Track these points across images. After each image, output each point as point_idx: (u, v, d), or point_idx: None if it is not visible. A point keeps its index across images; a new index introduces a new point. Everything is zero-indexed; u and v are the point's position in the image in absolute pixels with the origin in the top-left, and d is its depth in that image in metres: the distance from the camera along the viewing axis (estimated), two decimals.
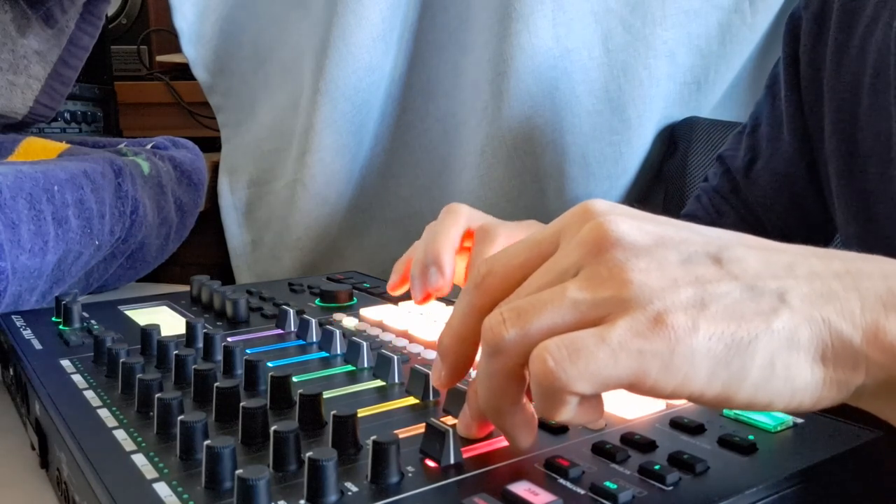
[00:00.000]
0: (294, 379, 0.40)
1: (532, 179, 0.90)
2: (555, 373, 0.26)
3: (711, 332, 0.26)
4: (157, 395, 0.34)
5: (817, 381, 0.26)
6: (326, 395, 0.37)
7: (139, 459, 0.31)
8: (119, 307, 0.57)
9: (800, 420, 0.35)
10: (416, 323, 0.50)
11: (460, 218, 0.52)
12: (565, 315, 0.27)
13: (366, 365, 0.43)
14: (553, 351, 0.26)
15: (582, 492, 0.28)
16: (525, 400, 0.30)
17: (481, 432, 0.33)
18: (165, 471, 0.30)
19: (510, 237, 0.54)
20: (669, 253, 0.28)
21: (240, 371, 0.41)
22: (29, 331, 0.50)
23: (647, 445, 0.32)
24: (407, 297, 0.59)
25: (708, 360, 0.26)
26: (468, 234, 0.53)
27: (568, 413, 0.27)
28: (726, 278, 0.27)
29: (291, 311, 0.51)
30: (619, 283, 0.27)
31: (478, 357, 0.31)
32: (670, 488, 0.29)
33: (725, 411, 0.36)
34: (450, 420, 0.35)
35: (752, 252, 0.28)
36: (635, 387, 0.26)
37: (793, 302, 0.26)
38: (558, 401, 0.27)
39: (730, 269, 0.27)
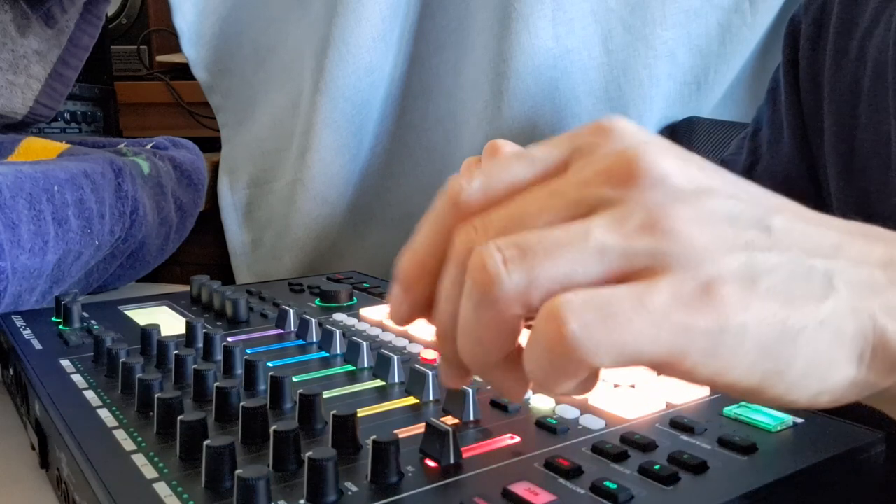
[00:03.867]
0: (294, 379, 0.40)
1: None
2: (578, 339, 0.21)
3: (764, 313, 0.22)
4: (157, 395, 0.34)
5: (848, 380, 0.23)
6: (326, 395, 0.37)
7: (139, 459, 0.31)
8: (119, 307, 0.57)
9: (800, 420, 0.35)
10: (415, 323, 0.50)
11: None
12: (587, 264, 0.22)
13: (366, 365, 0.43)
14: (579, 310, 0.21)
15: (582, 492, 0.28)
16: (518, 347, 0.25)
17: (469, 380, 0.28)
18: (165, 471, 0.30)
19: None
20: (718, 205, 0.23)
21: (239, 371, 0.41)
22: (29, 331, 0.50)
23: (647, 445, 0.32)
24: None
25: (756, 347, 0.22)
26: None
27: (569, 388, 0.23)
28: (777, 248, 0.23)
29: (291, 311, 0.51)
30: (660, 231, 0.22)
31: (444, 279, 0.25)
32: (670, 488, 0.29)
33: (725, 410, 0.35)
34: (450, 420, 0.35)
35: (800, 222, 0.24)
36: (667, 367, 0.22)
37: (840, 288, 0.23)
38: (568, 372, 0.22)
39: (780, 238, 0.23)
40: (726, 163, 0.74)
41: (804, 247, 0.24)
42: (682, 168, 0.23)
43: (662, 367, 0.22)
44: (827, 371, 0.23)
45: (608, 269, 0.22)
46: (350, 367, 0.43)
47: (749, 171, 0.71)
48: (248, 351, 0.44)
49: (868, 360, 0.23)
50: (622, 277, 0.22)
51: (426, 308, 0.27)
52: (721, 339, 0.22)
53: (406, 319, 0.28)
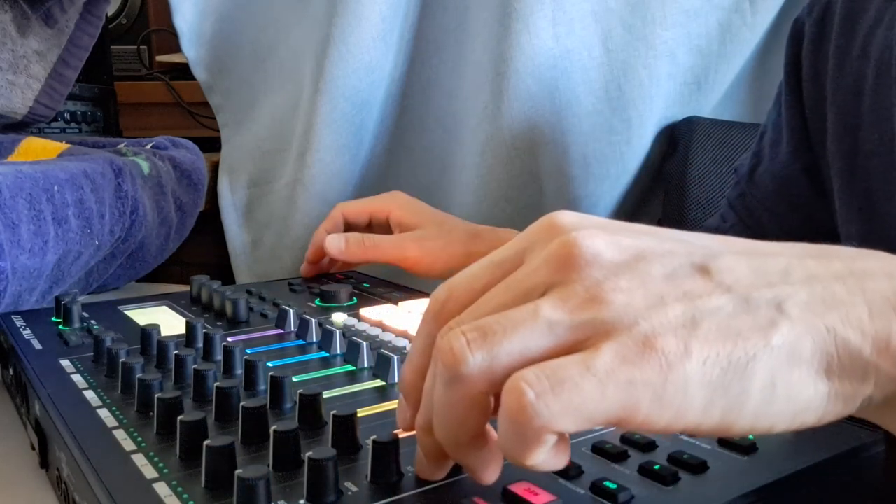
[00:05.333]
0: (294, 379, 0.40)
1: (532, 179, 0.90)
2: (535, 407, 0.23)
3: (706, 355, 0.23)
4: (157, 395, 0.34)
5: (822, 396, 0.24)
6: (326, 395, 0.37)
7: (139, 459, 0.31)
8: (119, 307, 0.57)
9: None
10: (416, 323, 0.50)
11: (330, 218, 0.73)
12: (539, 338, 0.24)
13: (366, 365, 0.43)
14: (533, 382, 0.23)
15: (582, 491, 0.28)
16: (488, 429, 0.27)
17: (444, 471, 0.30)
18: (165, 471, 0.30)
19: (347, 208, 0.74)
20: (652, 267, 0.25)
21: (239, 371, 0.41)
22: (29, 331, 0.50)
23: (647, 445, 0.32)
24: (407, 297, 0.59)
25: (704, 388, 0.23)
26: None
27: (541, 455, 0.24)
28: (717, 291, 0.24)
29: (291, 311, 0.51)
30: (598, 303, 0.24)
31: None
32: (670, 488, 0.29)
33: None
34: None
35: (741, 259, 0.26)
36: (624, 422, 0.23)
37: (791, 312, 0.24)
38: (534, 440, 0.24)
39: (720, 280, 0.25)
40: (735, 169, 0.75)
41: (748, 282, 0.25)
42: (614, 242, 0.26)
43: (619, 423, 0.23)
44: (791, 392, 0.24)
45: (558, 342, 0.24)
46: (350, 367, 0.43)
47: (752, 174, 0.71)
48: (248, 351, 0.44)
49: (837, 371, 0.24)
50: (572, 348, 0.24)
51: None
52: (666, 388, 0.23)
53: (411, 425, 0.30)
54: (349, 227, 0.74)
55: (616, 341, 0.23)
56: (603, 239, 0.26)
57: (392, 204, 0.73)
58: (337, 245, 0.68)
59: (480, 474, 0.28)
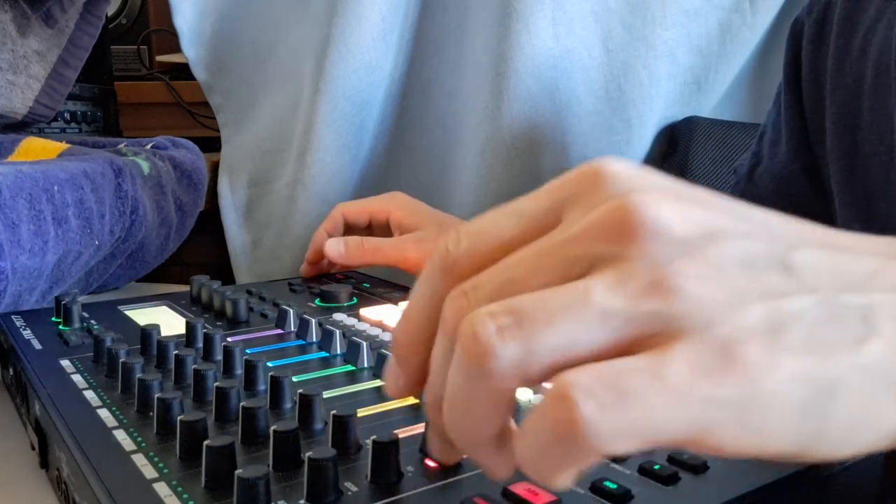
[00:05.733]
0: (294, 379, 0.40)
1: (532, 179, 0.89)
2: (591, 424, 0.18)
3: (793, 370, 0.19)
4: (156, 395, 0.34)
5: None
6: (326, 395, 0.37)
7: (139, 459, 0.31)
8: (119, 307, 0.57)
9: None
10: None
11: (330, 218, 0.72)
12: (589, 331, 0.20)
13: (366, 365, 0.43)
14: (591, 391, 0.19)
15: (582, 491, 0.28)
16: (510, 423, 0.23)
17: (458, 455, 0.27)
18: (165, 471, 0.30)
19: (347, 209, 0.73)
20: (727, 251, 0.21)
21: (239, 371, 0.41)
22: (29, 331, 0.50)
23: None
24: (407, 297, 0.59)
25: (790, 410, 0.19)
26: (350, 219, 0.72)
27: (568, 479, 0.20)
28: (800, 291, 0.20)
29: (291, 311, 0.51)
30: (666, 292, 0.20)
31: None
32: (670, 488, 0.29)
33: None
34: None
35: (824, 253, 0.22)
36: (692, 445, 0.20)
37: (882, 326, 0.20)
38: (577, 460, 0.19)
39: (803, 277, 0.21)
40: (735, 170, 0.75)
41: (834, 283, 0.21)
42: (684, 214, 0.21)
43: (685, 445, 0.20)
44: (878, 418, 0.21)
45: (613, 336, 0.20)
46: (350, 367, 0.43)
47: (751, 174, 0.71)
48: (248, 351, 0.44)
49: None
50: (629, 347, 0.20)
51: (423, 381, 0.25)
52: (750, 409, 0.19)
53: (402, 393, 0.26)
54: (349, 227, 0.73)
55: (690, 345, 0.19)
56: (672, 207, 0.21)
57: (392, 204, 0.73)
58: (336, 249, 0.68)
59: (495, 472, 0.24)
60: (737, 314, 0.20)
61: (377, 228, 0.74)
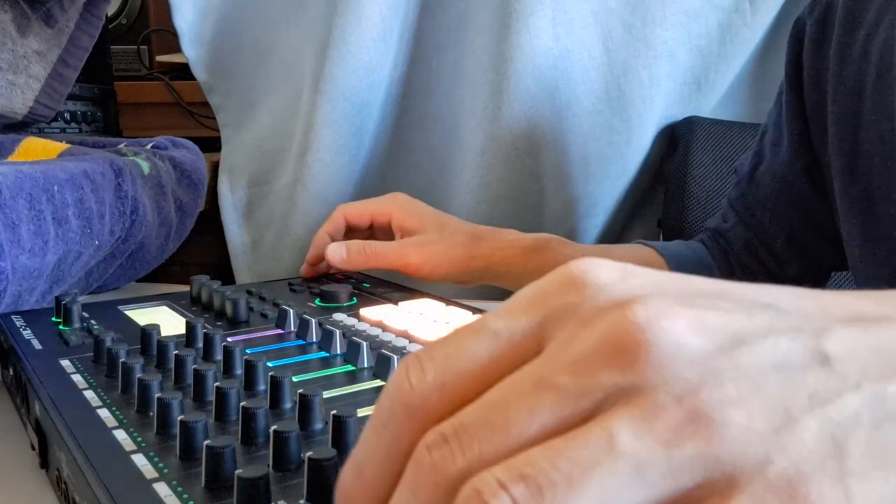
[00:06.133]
0: (294, 379, 0.40)
1: (532, 179, 0.90)
2: None
3: (871, 499, 0.16)
4: (156, 395, 0.34)
5: None
6: (326, 395, 0.37)
7: (139, 459, 0.31)
8: (119, 307, 0.57)
9: None
10: (416, 323, 0.50)
11: (331, 220, 0.71)
12: (624, 492, 0.16)
13: (366, 365, 0.43)
14: None
15: None
16: None
17: None
18: (165, 471, 0.30)
19: (349, 210, 0.72)
20: (756, 356, 0.17)
21: (239, 371, 0.41)
22: (29, 331, 0.50)
23: None
24: (407, 297, 0.59)
25: None
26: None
27: None
28: (848, 389, 0.17)
29: (291, 311, 0.51)
30: (704, 426, 0.16)
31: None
32: None
33: None
34: None
35: (857, 333, 0.18)
36: None
37: None
38: None
39: (843, 369, 0.17)
40: (735, 169, 0.75)
41: (875, 370, 0.18)
42: (698, 321, 0.18)
43: None
44: None
45: (652, 493, 0.16)
46: (350, 367, 0.43)
47: (752, 173, 0.71)
48: (248, 351, 0.44)
49: None
50: (676, 500, 0.16)
51: None
52: None
53: None
54: (350, 228, 0.73)
55: (749, 496, 0.16)
56: (683, 317, 0.17)
57: (393, 206, 0.73)
58: (339, 254, 0.67)
59: None
60: (792, 438, 0.16)
61: (378, 230, 0.73)
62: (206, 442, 0.29)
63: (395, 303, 0.56)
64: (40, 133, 0.91)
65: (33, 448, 0.41)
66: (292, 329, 0.50)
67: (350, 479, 0.20)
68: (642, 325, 0.17)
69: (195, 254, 0.95)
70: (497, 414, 0.18)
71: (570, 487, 0.16)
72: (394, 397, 0.19)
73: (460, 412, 0.18)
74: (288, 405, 0.37)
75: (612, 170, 0.92)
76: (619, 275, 0.19)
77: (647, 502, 0.16)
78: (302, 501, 0.28)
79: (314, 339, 0.48)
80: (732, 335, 0.18)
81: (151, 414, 0.35)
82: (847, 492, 0.16)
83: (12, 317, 0.53)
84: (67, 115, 0.97)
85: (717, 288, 0.19)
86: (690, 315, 0.18)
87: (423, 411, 0.19)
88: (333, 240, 0.71)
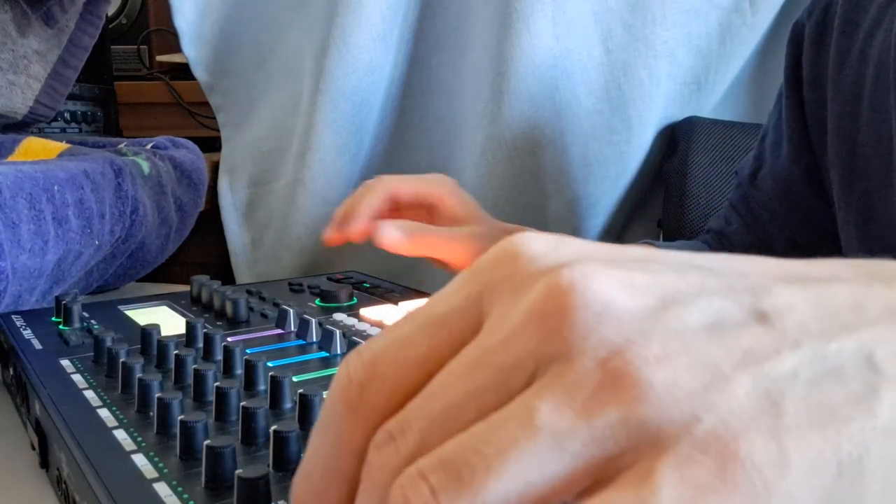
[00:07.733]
0: (294, 379, 0.40)
1: (532, 179, 0.90)
2: None
3: (809, 457, 0.15)
4: (157, 395, 0.34)
5: None
6: (326, 395, 0.37)
7: (139, 459, 0.31)
8: (119, 307, 0.57)
9: None
10: None
11: (374, 190, 0.63)
12: (546, 464, 0.15)
13: None
14: None
15: None
16: None
17: None
18: (165, 471, 0.30)
19: (398, 186, 0.64)
20: (687, 315, 0.17)
21: (239, 371, 0.41)
22: (29, 331, 0.50)
23: None
24: (407, 297, 0.59)
25: None
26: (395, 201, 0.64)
27: None
28: (785, 346, 0.16)
29: (291, 311, 0.51)
30: (624, 388, 0.15)
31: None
32: None
33: None
34: None
35: (795, 290, 0.18)
36: None
37: (885, 368, 0.16)
38: None
39: (783, 326, 0.17)
40: (736, 172, 0.75)
41: (817, 326, 0.17)
42: (625, 281, 0.17)
43: None
44: None
45: (576, 463, 0.15)
46: None
47: (753, 176, 0.71)
48: (248, 351, 0.44)
49: None
50: (602, 473, 0.16)
51: None
52: None
53: None
54: (395, 205, 0.66)
55: (677, 458, 0.15)
56: (609, 278, 0.17)
57: (444, 190, 0.66)
58: (395, 235, 0.58)
59: None
60: (722, 395, 0.15)
61: (418, 210, 0.66)
62: (206, 442, 0.29)
63: (395, 303, 0.56)
64: (40, 133, 0.91)
65: (33, 448, 0.41)
66: (292, 329, 0.50)
67: (300, 486, 0.20)
68: (566, 287, 0.16)
69: (195, 254, 0.95)
70: (435, 403, 0.17)
71: (487, 470, 0.15)
72: (335, 396, 0.19)
73: (406, 406, 0.18)
74: (288, 405, 0.37)
75: (612, 170, 0.92)
76: (550, 245, 0.18)
77: (574, 474, 0.15)
78: None
79: (314, 339, 0.48)
80: (662, 295, 0.17)
81: (151, 414, 0.35)
82: (781, 448, 0.15)
83: (12, 317, 0.53)
84: (67, 115, 0.97)
85: (649, 254, 0.19)
86: (619, 276, 0.17)
87: (365, 406, 0.18)
88: (369, 212, 0.63)
